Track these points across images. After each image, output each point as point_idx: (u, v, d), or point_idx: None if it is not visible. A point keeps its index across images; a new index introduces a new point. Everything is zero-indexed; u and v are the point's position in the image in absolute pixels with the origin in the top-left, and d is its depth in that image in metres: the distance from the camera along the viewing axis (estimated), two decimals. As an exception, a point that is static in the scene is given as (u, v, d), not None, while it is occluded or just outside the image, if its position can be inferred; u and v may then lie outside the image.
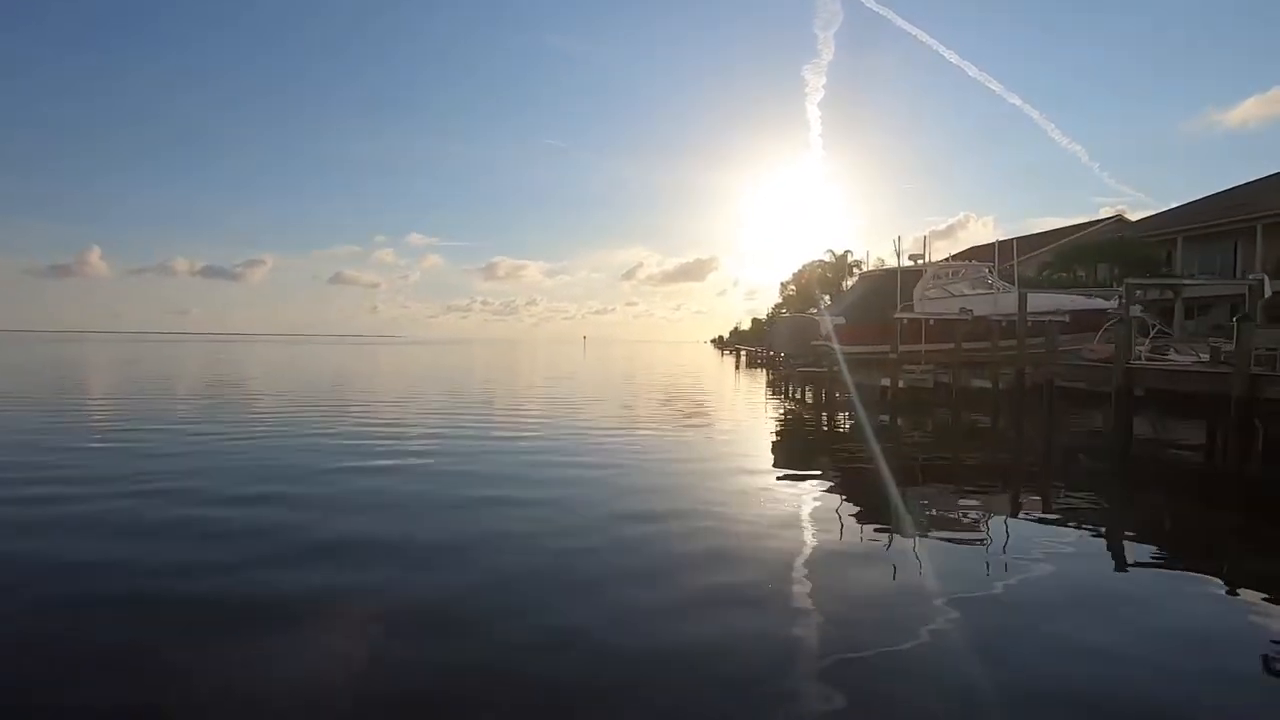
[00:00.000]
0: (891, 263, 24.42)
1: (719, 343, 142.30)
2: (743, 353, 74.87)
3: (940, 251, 56.10)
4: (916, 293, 22.11)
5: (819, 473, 9.91)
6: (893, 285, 22.01)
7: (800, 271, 62.06)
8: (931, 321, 21.65)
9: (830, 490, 8.73)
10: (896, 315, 21.24)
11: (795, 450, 12.62)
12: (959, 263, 27.58)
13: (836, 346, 22.02)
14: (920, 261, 23.12)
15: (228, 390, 22.90)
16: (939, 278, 22.79)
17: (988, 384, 19.59)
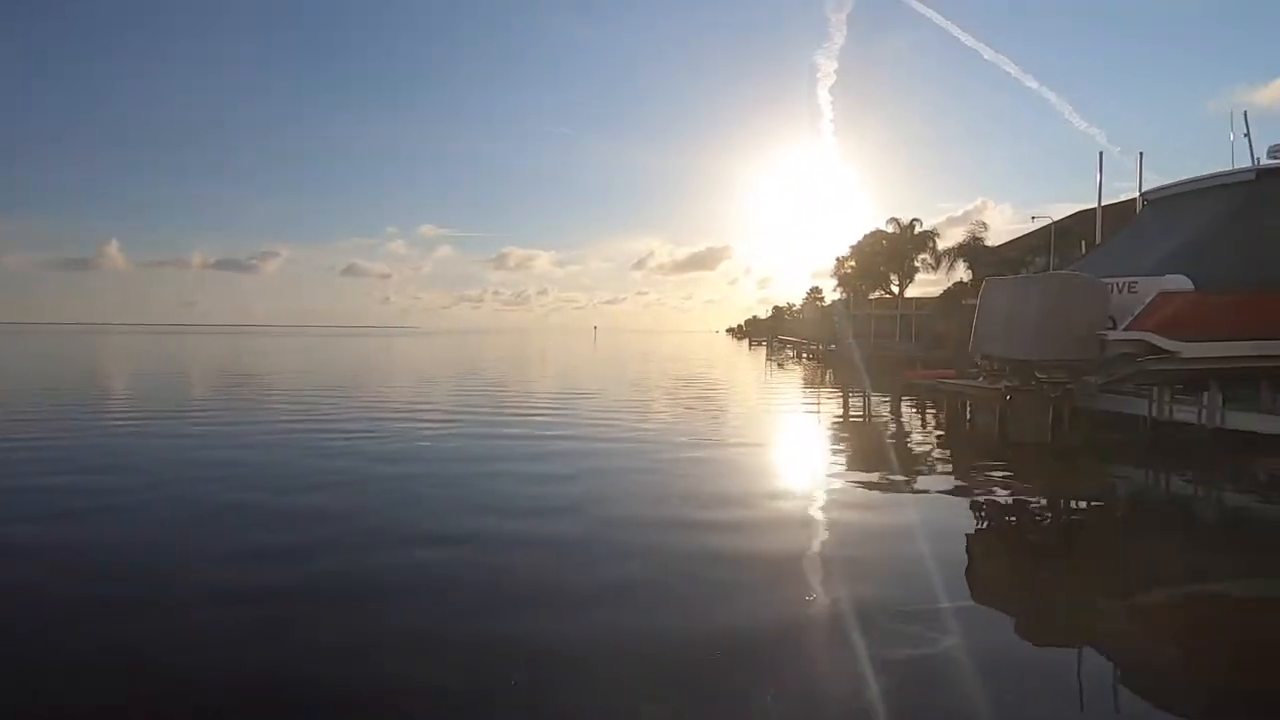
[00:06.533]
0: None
1: (737, 332, 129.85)
2: (788, 348, 61.77)
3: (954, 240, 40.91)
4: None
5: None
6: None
7: (859, 244, 49.09)
8: None
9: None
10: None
11: None
12: None
13: (1170, 344, 9.55)
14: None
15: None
16: None
17: None
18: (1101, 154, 13.59)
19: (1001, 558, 5.85)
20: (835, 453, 10.91)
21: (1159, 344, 9.58)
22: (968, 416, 13.24)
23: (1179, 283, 9.61)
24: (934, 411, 16.54)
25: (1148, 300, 9.77)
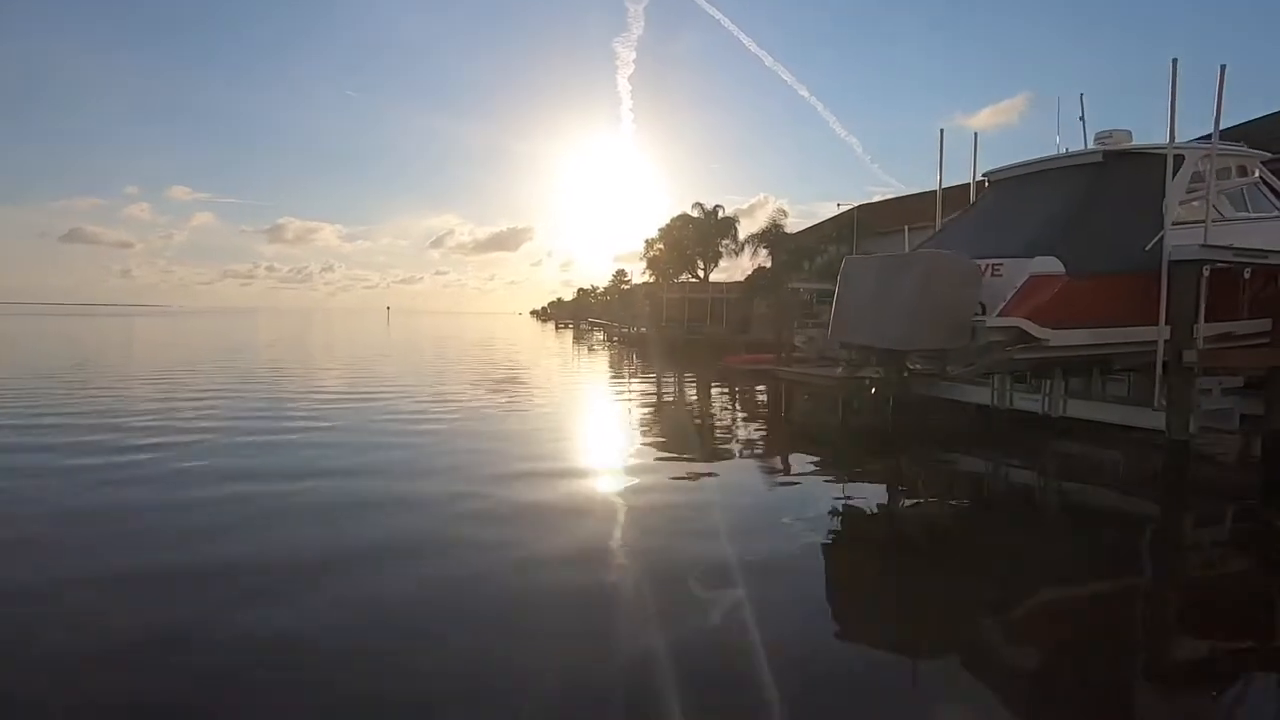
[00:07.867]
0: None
1: (542, 315, 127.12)
2: (597, 331, 60.87)
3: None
4: (1169, 203, 9.31)
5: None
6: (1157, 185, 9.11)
7: (668, 228, 48.95)
8: (1247, 273, 9.16)
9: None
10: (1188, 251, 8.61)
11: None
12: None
13: (1040, 331, 8.82)
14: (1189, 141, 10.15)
15: None
16: (1229, 173, 10.19)
17: None
18: (942, 131, 12.98)
19: (866, 551, 5.82)
20: (688, 460, 8.96)
21: (1031, 331, 8.78)
22: (821, 407, 12.18)
23: (1050, 265, 8.87)
24: (766, 401, 15.55)
25: (1019, 284, 8.95)
